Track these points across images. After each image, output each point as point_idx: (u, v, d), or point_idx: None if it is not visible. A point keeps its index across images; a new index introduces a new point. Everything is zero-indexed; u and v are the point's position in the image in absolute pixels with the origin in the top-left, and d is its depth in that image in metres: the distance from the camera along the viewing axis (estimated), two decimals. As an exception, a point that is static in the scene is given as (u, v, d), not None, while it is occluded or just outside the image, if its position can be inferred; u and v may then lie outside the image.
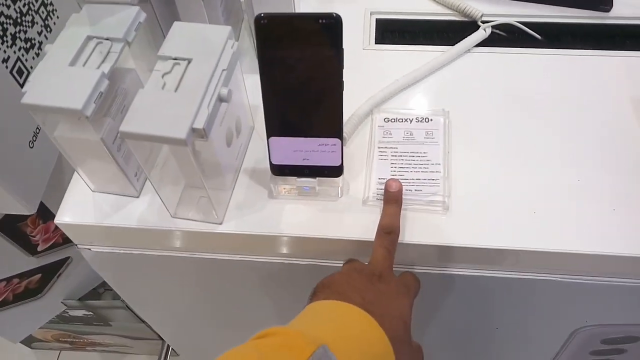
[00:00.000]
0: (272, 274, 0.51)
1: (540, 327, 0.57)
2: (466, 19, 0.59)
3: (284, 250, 0.48)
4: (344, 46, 0.39)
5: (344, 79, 0.41)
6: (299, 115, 0.43)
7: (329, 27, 0.38)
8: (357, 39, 0.58)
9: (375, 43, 0.59)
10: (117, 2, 0.46)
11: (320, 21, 0.38)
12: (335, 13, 0.38)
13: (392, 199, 0.44)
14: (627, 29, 0.59)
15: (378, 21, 0.61)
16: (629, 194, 0.46)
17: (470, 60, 0.56)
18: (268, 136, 0.44)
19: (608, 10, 0.59)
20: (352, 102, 0.52)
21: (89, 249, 0.50)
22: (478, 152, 0.50)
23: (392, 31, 0.60)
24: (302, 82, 0.41)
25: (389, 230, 0.43)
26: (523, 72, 0.55)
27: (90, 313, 0.96)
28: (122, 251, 0.50)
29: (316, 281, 0.42)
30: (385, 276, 0.40)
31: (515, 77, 0.55)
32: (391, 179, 0.46)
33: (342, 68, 0.40)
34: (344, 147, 0.43)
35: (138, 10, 0.46)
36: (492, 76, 0.55)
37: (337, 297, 0.38)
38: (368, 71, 0.56)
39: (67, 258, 0.86)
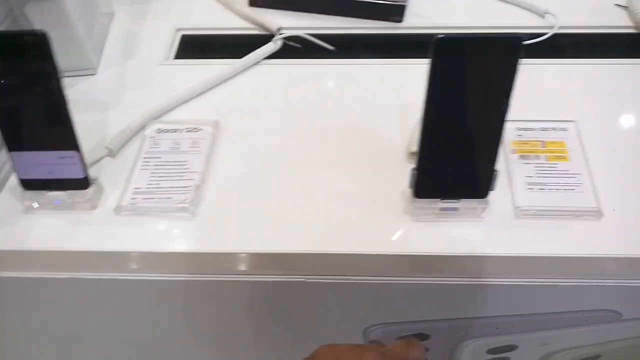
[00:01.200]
0: (35, 291, 0.52)
1: (331, 329, 0.58)
2: (267, 33, 0.62)
3: (37, 266, 0.48)
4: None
5: (65, 95, 0.42)
6: (31, 130, 0.44)
7: (35, 44, 0.40)
8: (157, 55, 0.61)
9: (175, 58, 0.61)
10: None
11: (25, 38, 0.40)
12: (41, 31, 0.40)
13: None
14: (418, 38, 0.62)
15: (184, 37, 0.63)
16: (387, 197, 0.48)
17: (259, 71, 0.58)
18: (9, 151, 0.45)
19: (400, 21, 0.62)
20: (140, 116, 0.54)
21: None
22: (245, 160, 0.51)
23: (196, 46, 0.62)
24: (24, 99, 0.42)
25: None
26: (309, 82, 0.58)
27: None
28: None
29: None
30: None
31: (299, 87, 0.57)
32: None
33: (59, 83, 0.41)
34: (84, 159, 0.45)
35: None
36: (277, 86, 0.57)
37: None
38: (161, 86, 0.58)
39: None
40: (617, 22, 0.62)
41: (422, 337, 0.59)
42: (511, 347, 0.66)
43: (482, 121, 0.41)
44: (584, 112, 0.54)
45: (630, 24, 0.62)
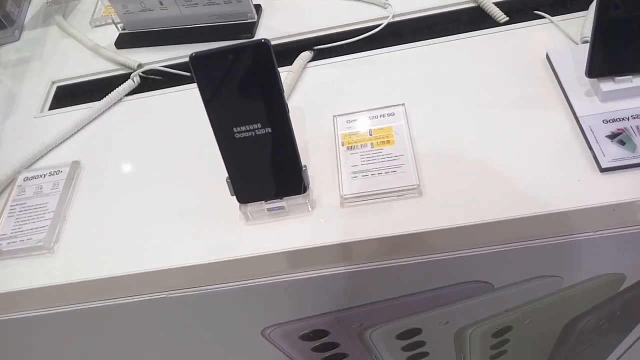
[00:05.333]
0: None
1: (232, 334, 0.61)
2: (131, 71, 0.66)
3: None
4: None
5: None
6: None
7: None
8: (32, 109, 0.66)
9: (50, 109, 0.66)
10: None
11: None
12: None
13: None
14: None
15: (58, 88, 0.68)
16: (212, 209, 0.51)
17: (120, 108, 0.63)
18: None
19: (251, 37, 0.65)
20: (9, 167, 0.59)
21: None
22: (101, 193, 0.55)
23: (68, 95, 0.67)
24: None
25: None
26: (165, 110, 0.62)
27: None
28: None
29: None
30: None
31: (158, 116, 0.61)
32: None
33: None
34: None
35: None
36: (134, 119, 0.61)
37: None
38: (35, 137, 0.62)
39: None
40: (458, -1, 0.64)
41: (322, 333, 0.61)
42: (417, 331, 0.67)
43: (268, 124, 0.44)
44: (415, 92, 0.56)
45: (470, -1, 0.64)
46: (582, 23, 0.58)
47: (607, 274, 0.56)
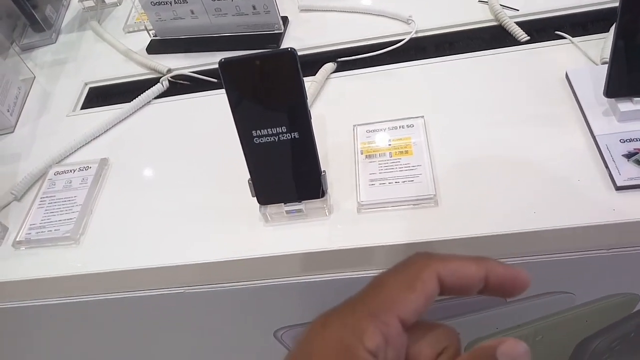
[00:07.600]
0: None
1: (244, 333, 0.62)
2: (160, 75, 0.69)
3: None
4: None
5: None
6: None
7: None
8: (64, 108, 0.69)
9: (81, 109, 0.69)
10: None
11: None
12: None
13: None
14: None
15: (90, 89, 0.71)
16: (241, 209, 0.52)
17: (149, 110, 0.65)
18: None
19: (278, 48, 0.67)
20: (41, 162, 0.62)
21: None
22: (128, 189, 0.58)
23: (100, 96, 0.70)
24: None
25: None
26: (192, 113, 0.64)
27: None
28: None
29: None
30: None
31: (185, 119, 0.64)
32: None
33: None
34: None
35: None
36: (162, 121, 0.64)
37: None
38: (66, 134, 0.65)
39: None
40: (480, 17, 0.65)
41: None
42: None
43: (291, 129, 0.46)
44: (435, 105, 0.57)
45: (491, 17, 0.65)
46: (602, 45, 0.59)
47: (620, 294, 0.56)
